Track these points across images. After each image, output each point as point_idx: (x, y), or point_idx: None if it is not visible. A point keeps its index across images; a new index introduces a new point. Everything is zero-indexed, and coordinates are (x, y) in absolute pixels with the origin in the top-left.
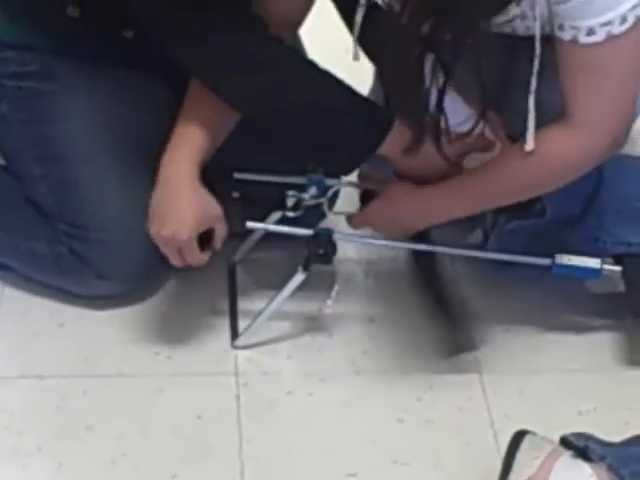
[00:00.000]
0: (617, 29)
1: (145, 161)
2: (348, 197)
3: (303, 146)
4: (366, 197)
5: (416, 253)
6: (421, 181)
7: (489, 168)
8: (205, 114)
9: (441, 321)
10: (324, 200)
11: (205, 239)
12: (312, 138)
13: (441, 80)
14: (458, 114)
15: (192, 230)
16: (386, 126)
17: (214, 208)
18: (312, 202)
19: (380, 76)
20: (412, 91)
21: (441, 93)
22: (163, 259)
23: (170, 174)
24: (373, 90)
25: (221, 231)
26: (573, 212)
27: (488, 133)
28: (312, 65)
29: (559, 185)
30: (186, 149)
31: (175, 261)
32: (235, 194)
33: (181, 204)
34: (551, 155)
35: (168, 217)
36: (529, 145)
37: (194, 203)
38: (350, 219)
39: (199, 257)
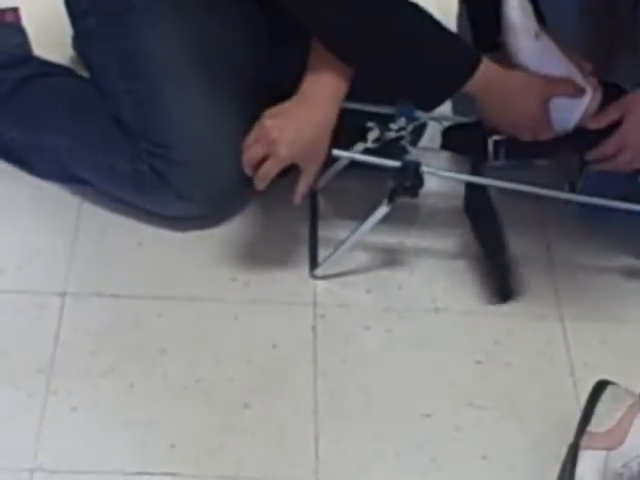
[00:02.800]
0: None
1: (230, 81)
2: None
3: (387, 79)
4: (449, 133)
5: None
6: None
7: None
8: None
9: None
10: (406, 133)
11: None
12: (397, 72)
13: None
14: (555, 66)
15: (295, 152)
16: (474, 63)
17: (322, 156)
18: (393, 135)
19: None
20: None
21: None
22: (245, 181)
23: (320, 98)
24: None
25: (308, 178)
26: None
27: (580, 80)
28: None
29: None
30: (333, 81)
31: (248, 164)
32: None
33: (307, 125)
34: None
35: (291, 124)
36: None
37: (318, 134)
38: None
39: (268, 178)
